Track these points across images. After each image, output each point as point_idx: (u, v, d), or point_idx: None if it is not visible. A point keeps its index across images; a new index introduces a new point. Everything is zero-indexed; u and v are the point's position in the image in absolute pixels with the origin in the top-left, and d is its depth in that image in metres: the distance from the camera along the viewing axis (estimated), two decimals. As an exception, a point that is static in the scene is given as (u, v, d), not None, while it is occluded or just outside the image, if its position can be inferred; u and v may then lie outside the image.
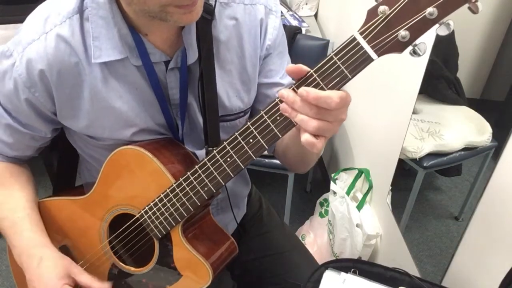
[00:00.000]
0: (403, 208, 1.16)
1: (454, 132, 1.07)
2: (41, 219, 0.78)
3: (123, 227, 0.76)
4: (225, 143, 0.61)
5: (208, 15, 0.67)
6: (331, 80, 0.51)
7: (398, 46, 0.48)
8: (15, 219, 0.73)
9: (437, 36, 0.46)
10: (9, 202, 0.75)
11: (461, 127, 1.05)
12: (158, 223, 0.71)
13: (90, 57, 0.65)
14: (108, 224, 0.76)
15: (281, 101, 0.55)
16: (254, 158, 0.60)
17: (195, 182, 0.65)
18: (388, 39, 0.48)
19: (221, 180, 0.64)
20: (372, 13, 0.48)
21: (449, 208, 1.12)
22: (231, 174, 0.63)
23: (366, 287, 0.76)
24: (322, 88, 0.52)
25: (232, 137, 0.60)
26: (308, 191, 2.02)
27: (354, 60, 0.50)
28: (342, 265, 0.80)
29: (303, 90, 0.51)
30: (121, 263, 0.78)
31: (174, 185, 0.67)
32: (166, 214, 0.69)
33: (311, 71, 0.52)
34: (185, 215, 0.68)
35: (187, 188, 0.66)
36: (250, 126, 0.58)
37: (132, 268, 0.78)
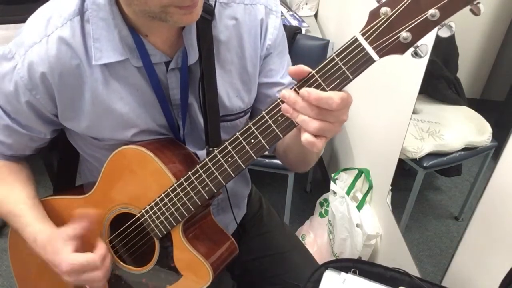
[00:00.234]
0: (403, 208, 1.16)
1: (454, 132, 1.07)
2: (44, 209, 0.77)
3: (124, 227, 0.76)
4: (226, 143, 0.61)
5: (208, 15, 0.67)
6: (333, 81, 0.52)
7: (400, 48, 0.48)
8: (18, 211, 0.73)
9: (438, 37, 0.46)
10: (11, 197, 0.75)
11: (461, 127, 1.05)
12: (158, 222, 0.71)
13: (91, 59, 0.65)
14: (108, 224, 0.76)
15: (282, 102, 0.55)
16: (255, 158, 0.60)
17: (196, 182, 0.65)
18: (390, 41, 0.48)
19: (222, 180, 0.64)
20: (374, 14, 0.48)
21: (449, 208, 1.13)
22: (232, 174, 0.63)
23: (366, 287, 0.76)
24: (323, 89, 0.52)
25: (234, 137, 0.60)
26: (308, 191, 2.02)
27: (356, 61, 0.50)
28: (342, 265, 0.80)
29: (304, 90, 0.51)
30: (121, 263, 0.78)
31: (175, 184, 0.67)
32: (167, 213, 0.69)
33: (313, 71, 0.52)
34: (186, 215, 0.68)
35: (188, 188, 0.66)
36: (252, 126, 0.58)
37: (132, 268, 0.78)
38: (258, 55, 0.74)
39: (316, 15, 2.11)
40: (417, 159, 1.08)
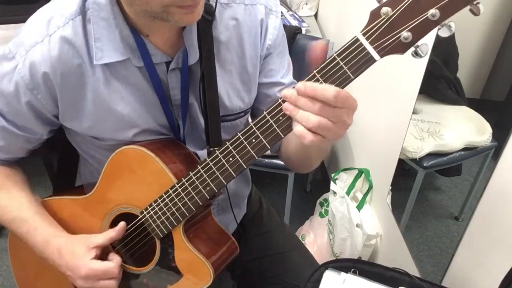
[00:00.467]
0: (403, 208, 1.16)
1: (454, 132, 1.07)
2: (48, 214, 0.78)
3: (126, 227, 0.76)
4: (227, 143, 0.62)
5: (208, 16, 0.67)
6: (334, 81, 0.52)
7: (401, 47, 0.48)
8: (24, 217, 0.74)
9: (437, 37, 0.46)
10: (13, 204, 0.75)
11: (461, 127, 1.05)
12: (159, 222, 0.71)
13: (93, 59, 0.65)
14: (109, 224, 0.76)
15: (283, 101, 0.55)
16: (257, 158, 0.60)
17: (197, 182, 0.66)
18: (391, 40, 0.48)
19: (223, 180, 0.64)
20: (375, 14, 0.48)
21: (449, 208, 1.13)
22: (233, 174, 0.63)
23: (366, 287, 0.76)
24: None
25: (235, 137, 0.61)
26: (308, 191, 2.02)
27: (357, 61, 0.50)
28: (342, 265, 0.80)
29: (300, 84, 0.52)
30: (122, 263, 0.78)
31: (176, 185, 0.67)
32: (168, 213, 0.69)
33: (314, 71, 0.53)
34: (187, 214, 0.68)
35: (189, 188, 0.66)
36: (253, 126, 0.58)
37: (133, 268, 0.78)
38: (258, 55, 0.74)
39: (316, 15, 2.11)
40: (417, 159, 1.08)
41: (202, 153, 0.76)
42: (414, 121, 1.08)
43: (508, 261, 0.73)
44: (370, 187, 1.39)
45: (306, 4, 2.05)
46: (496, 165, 0.78)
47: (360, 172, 1.43)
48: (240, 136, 0.60)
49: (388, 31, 0.48)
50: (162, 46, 0.67)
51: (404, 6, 0.46)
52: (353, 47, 0.50)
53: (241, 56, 0.72)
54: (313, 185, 2.02)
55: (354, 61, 0.50)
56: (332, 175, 1.52)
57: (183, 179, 0.66)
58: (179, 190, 0.67)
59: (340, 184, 1.46)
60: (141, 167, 0.69)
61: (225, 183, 0.64)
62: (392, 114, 1.19)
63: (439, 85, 1.09)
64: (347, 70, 0.51)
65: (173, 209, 0.69)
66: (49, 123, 0.72)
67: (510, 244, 0.76)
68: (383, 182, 1.28)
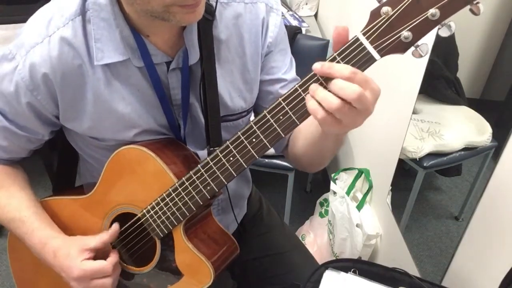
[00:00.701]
0: (403, 208, 1.16)
1: (454, 132, 1.07)
2: (47, 214, 0.78)
3: (125, 227, 0.76)
4: (228, 142, 0.62)
5: (209, 16, 0.67)
6: None
7: (401, 47, 0.48)
8: (22, 218, 0.74)
9: (437, 36, 0.47)
10: (12, 203, 0.75)
11: (461, 127, 1.05)
12: (160, 222, 0.71)
13: (93, 59, 0.65)
14: (109, 224, 0.76)
15: (284, 101, 0.55)
16: (257, 157, 0.60)
17: (197, 182, 0.66)
18: (391, 40, 0.48)
19: (223, 180, 0.64)
20: (375, 14, 0.48)
21: (449, 208, 1.13)
22: (234, 173, 0.63)
23: (366, 287, 0.76)
24: (325, 88, 0.52)
25: (235, 137, 0.61)
26: (308, 191, 2.02)
27: (357, 61, 0.50)
28: (342, 265, 0.80)
29: (317, 64, 0.51)
30: (122, 263, 0.78)
31: (177, 184, 0.67)
32: (168, 213, 0.69)
33: (314, 71, 0.53)
34: (187, 214, 0.68)
35: (190, 188, 0.66)
36: (253, 125, 0.58)
37: (133, 268, 0.78)
38: (259, 53, 0.74)
39: (316, 15, 2.11)
40: (417, 159, 1.08)
41: (203, 153, 0.76)
42: (414, 121, 1.08)
43: (508, 261, 0.73)
44: (370, 187, 1.39)
45: (306, 4, 2.05)
46: (496, 165, 0.78)
47: (360, 172, 1.43)
48: (241, 136, 0.60)
49: (388, 31, 0.48)
50: (163, 46, 0.67)
51: (404, 6, 0.46)
52: (353, 47, 0.50)
53: (241, 55, 0.72)
54: (313, 185, 2.02)
55: (354, 60, 0.50)
56: (332, 175, 1.52)
57: (183, 178, 0.66)
58: (180, 189, 0.67)
59: (340, 184, 1.46)
60: (142, 167, 0.69)
61: (226, 183, 0.64)
62: (392, 114, 1.19)
63: (439, 85, 1.09)
64: None
65: (174, 208, 0.69)
66: (50, 123, 0.72)
67: (510, 244, 0.76)
68: (383, 182, 1.28)
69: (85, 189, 0.84)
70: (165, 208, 0.69)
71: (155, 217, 0.71)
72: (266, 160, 1.50)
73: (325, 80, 0.52)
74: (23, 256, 0.84)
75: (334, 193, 1.42)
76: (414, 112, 1.07)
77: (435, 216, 1.15)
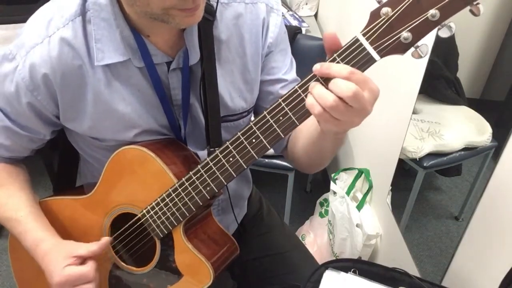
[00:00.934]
0: (403, 208, 1.16)
1: (454, 132, 1.07)
2: (44, 214, 0.77)
3: (125, 227, 0.76)
4: (227, 143, 0.62)
5: (209, 16, 0.67)
6: None
7: (401, 48, 0.48)
8: (18, 218, 0.73)
9: (437, 37, 0.46)
10: (10, 203, 0.75)
11: (461, 127, 1.05)
12: (160, 222, 0.71)
13: (93, 60, 0.65)
14: (110, 224, 0.76)
15: (283, 101, 0.55)
16: (257, 158, 0.60)
17: (197, 182, 0.66)
18: (391, 41, 0.48)
19: (223, 180, 0.64)
20: (374, 14, 0.48)
21: (449, 208, 1.12)
22: (234, 174, 0.63)
23: (366, 287, 0.76)
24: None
25: (235, 137, 0.61)
26: (308, 191, 2.02)
27: (357, 61, 0.50)
28: (342, 265, 0.80)
29: (317, 64, 0.51)
30: (122, 263, 0.78)
31: (177, 185, 0.67)
32: (168, 213, 0.69)
33: (314, 72, 0.53)
34: (187, 215, 0.68)
35: (189, 188, 0.66)
36: (253, 126, 0.58)
37: (133, 268, 0.78)
38: (260, 53, 0.74)
39: (316, 15, 2.11)
40: (417, 159, 1.08)
41: (203, 154, 0.76)
42: (414, 121, 1.08)
43: (508, 261, 0.73)
44: (370, 187, 1.39)
45: (306, 4, 2.05)
46: (496, 165, 0.78)
47: (360, 172, 1.43)
48: (240, 136, 0.60)
49: (388, 32, 0.48)
50: (163, 46, 0.67)
51: (404, 7, 0.46)
52: (353, 48, 0.50)
53: (242, 55, 0.72)
54: (313, 185, 2.02)
55: (354, 61, 0.50)
56: (332, 175, 1.52)
57: (183, 179, 0.67)
58: (179, 190, 0.67)
59: (340, 184, 1.46)
60: (142, 167, 0.69)
61: (225, 183, 0.64)
62: (392, 114, 1.19)
63: (439, 85, 1.09)
64: None
65: (173, 209, 0.69)
66: (51, 123, 0.72)
67: (510, 244, 0.76)
68: (383, 182, 1.28)
69: (85, 189, 0.84)
70: (165, 209, 0.69)
71: (155, 217, 0.71)
72: (266, 160, 1.51)
73: (324, 81, 0.52)
74: (23, 256, 0.84)
75: (334, 193, 1.42)
76: (414, 112, 1.07)
77: (435, 216, 1.15)
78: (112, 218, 0.76)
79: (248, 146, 0.60)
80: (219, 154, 0.63)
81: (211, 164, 0.64)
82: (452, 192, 1.16)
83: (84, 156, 0.81)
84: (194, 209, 0.68)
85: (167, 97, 0.70)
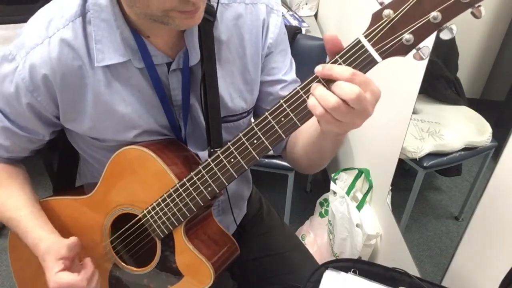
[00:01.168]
0: (403, 208, 1.16)
1: (454, 132, 1.07)
2: (44, 214, 0.77)
3: (125, 227, 0.76)
4: (229, 144, 0.62)
5: (210, 17, 0.67)
6: None
7: (402, 49, 0.48)
8: (18, 217, 0.74)
9: (438, 37, 0.47)
10: (10, 202, 0.75)
11: (461, 127, 1.05)
12: (160, 223, 0.71)
13: (93, 60, 0.65)
14: (110, 224, 0.76)
15: (285, 103, 0.55)
16: (258, 159, 0.60)
17: (198, 183, 0.66)
18: (393, 42, 0.48)
19: (224, 181, 0.64)
20: (376, 16, 0.48)
21: (449, 208, 1.13)
22: (235, 174, 0.63)
23: (366, 287, 0.76)
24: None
25: (236, 138, 0.61)
26: (308, 191, 2.02)
27: (359, 63, 0.50)
28: (342, 265, 0.80)
29: (319, 66, 0.51)
30: (122, 263, 0.78)
31: (178, 185, 0.67)
32: (169, 214, 0.69)
33: (316, 73, 0.53)
34: (188, 215, 0.68)
35: (191, 189, 0.66)
36: (254, 127, 0.58)
37: (134, 269, 0.78)
38: (260, 54, 0.74)
39: (316, 15, 2.11)
40: (417, 159, 1.08)
41: (203, 154, 0.76)
42: (414, 121, 1.08)
43: (508, 261, 0.73)
44: (370, 187, 1.39)
45: (306, 4, 2.05)
46: (496, 165, 0.78)
47: (360, 172, 1.43)
48: (242, 137, 0.60)
49: (390, 34, 0.48)
50: (163, 47, 0.67)
51: (406, 9, 0.46)
52: (355, 49, 0.50)
53: (242, 55, 0.72)
54: (313, 185, 2.02)
55: (356, 63, 0.50)
56: (332, 175, 1.53)
57: (184, 179, 0.67)
58: (180, 190, 0.67)
59: (340, 184, 1.46)
60: (143, 168, 0.69)
61: (227, 184, 0.65)
62: (392, 114, 1.19)
63: (439, 85, 1.09)
64: None
65: (174, 209, 0.69)
66: (51, 124, 0.72)
67: (510, 244, 0.76)
68: (383, 182, 1.28)
69: (85, 189, 0.84)
70: (165, 209, 0.69)
71: (155, 217, 0.71)
72: (266, 160, 1.51)
73: (326, 82, 0.52)
74: (23, 256, 0.84)
75: (334, 193, 1.42)
76: (414, 112, 1.07)
77: (435, 216, 1.15)
78: (112, 219, 0.76)
79: (249, 147, 0.60)
80: (220, 155, 0.63)
81: (212, 164, 0.64)
82: (452, 192, 1.16)
83: (84, 156, 0.81)
84: (195, 210, 0.68)
85: (167, 98, 0.70)
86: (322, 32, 1.95)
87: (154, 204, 0.70)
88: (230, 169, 0.63)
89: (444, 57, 1.05)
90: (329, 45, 0.52)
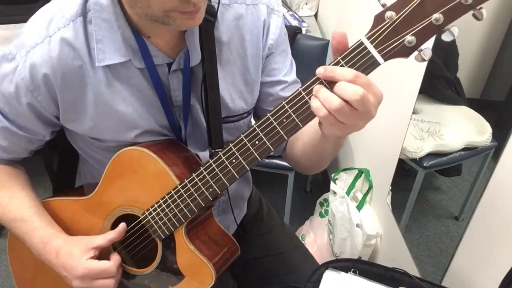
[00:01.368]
0: (403, 208, 1.17)
1: (454, 132, 1.08)
2: (48, 213, 0.77)
3: (126, 228, 0.76)
4: (231, 145, 0.62)
5: (210, 17, 0.67)
6: None
7: (405, 51, 0.48)
8: (24, 218, 0.73)
9: (438, 37, 0.47)
10: (13, 203, 0.75)
11: (461, 127, 1.05)
12: (161, 224, 0.71)
13: (94, 60, 0.65)
14: (111, 225, 0.76)
15: (287, 104, 0.55)
16: (260, 160, 0.60)
17: (199, 184, 0.66)
18: (395, 44, 0.48)
19: (226, 182, 0.64)
20: (379, 18, 0.48)
21: (449, 208, 1.13)
22: (236, 175, 0.63)
23: (366, 287, 0.76)
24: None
25: (238, 139, 0.61)
26: (308, 191, 2.02)
27: (361, 64, 0.50)
28: (342, 265, 0.80)
29: (321, 68, 0.51)
30: (123, 264, 0.78)
31: (179, 186, 0.67)
32: (170, 215, 0.69)
33: (318, 75, 0.53)
34: (189, 216, 0.68)
35: (192, 189, 0.66)
36: (256, 128, 0.58)
37: (135, 269, 0.78)
38: (260, 55, 0.74)
39: (316, 15, 2.11)
40: (417, 159, 1.09)
41: (204, 155, 0.76)
42: (414, 121, 1.08)
43: (508, 261, 0.73)
44: (370, 187, 1.39)
45: (306, 4, 2.05)
46: (496, 165, 0.78)
47: (360, 172, 1.43)
48: (244, 138, 0.60)
49: (392, 35, 0.48)
50: (164, 48, 0.67)
51: (408, 11, 0.46)
52: (357, 51, 0.50)
53: (243, 56, 0.72)
54: (313, 185, 2.02)
55: (358, 64, 0.50)
56: (332, 175, 1.53)
57: (186, 180, 0.67)
58: (182, 191, 0.67)
59: (340, 184, 1.46)
60: (143, 168, 0.69)
61: (228, 185, 0.65)
62: (392, 114, 1.19)
63: (439, 85, 1.09)
64: None
65: (175, 210, 0.69)
66: (51, 124, 0.72)
67: (510, 244, 0.76)
68: (383, 182, 1.29)
69: (85, 190, 0.84)
70: (167, 210, 0.69)
71: (156, 218, 0.71)
72: (266, 160, 1.51)
73: (328, 84, 0.52)
74: (23, 256, 0.84)
75: (334, 193, 1.42)
76: (414, 112, 1.07)
77: (435, 216, 1.15)
78: (113, 220, 0.76)
79: (251, 148, 0.60)
80: (222, 156, 0.63)
81: (214, 165, 0.64)
82: (452, 192, 1.16)
83: (84, 156, 0.80)
84: (196, 211, 0.68)
85: (168, 98, 0.70)
86: (322, 32, 1.95)
87: (155, 205, 0.70)
88: (232, 170, 0.63)
89: (444, 57, 1.05)
90: (335, 42, 0.52)
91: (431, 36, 0.47)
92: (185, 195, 0.67)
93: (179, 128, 0.74)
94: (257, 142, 0.59)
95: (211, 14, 0.67)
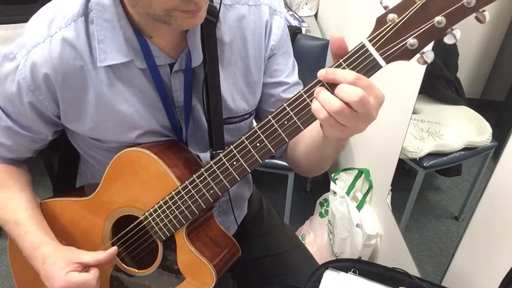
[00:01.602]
0: (403, 208, 1.17)
1: (454, 132, 1.08)
2: (44, 217, 0.77)
3: (127, 229, 0.76)
4: (231, 147, 0.62)
5: (212, 18, 0.67)
6: None
7: (407, 54, 0.48)
8: (18, 220, 0.73)
9: (440, 40, 0.47)
10: (10, 204, 0.75)
11: (461, 127, 1.05)
12: (162, 225, 0.71)
13: (96, 60, 0.64)
14: (111, 226, 0.76)
15: (288, 106, 0.55)
16: (261, 162, 0.60)
17: (200, 185, 0.66)
18: (397, 47, 0.48)
19: (227, 184, 0.64)
20: (381, 20, 0.48)
21: (449, 208, 1.13)
22: (237, 177, 0.63)
23: (366, 287, 0.76)
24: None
25: (239, 141, 0.61)
26: (308, 191, 2.02)
27: (363, 67, 0.50)
28: (342, 265, 0.80)
29: (322, 70, 0.51)
30: (123, 265, 0.78)
31: (180, 187, 0.67)
32: (171, 216, 0.69)
33: (319, 77, 0.53)
34: (190, 217, 0.68)
35: (193, 191, 0.66)
36: (257, 130, 0.58)
37: (135, 270, 0.78)
38: (262, 56, 0.74)
39: (316, 15, 2.11)
40: (417, 159, 1.09)
41: (205, 156, 0.76)
42: (414, 121, 1.08)
43: (508, 261, 0.73)
44: (370, 187, 1.39)
45: (306, 4, 2.05)
46: (496, 165, 0.78)
47: (360, 172, 1.43)
48: (245, 140, 0.60)
49: (394, 38, 0.48)
50: (166, 48, 0.67)
51: (411, 13, 0.46)
52: (359, 53, 0.50)
53: (244, 57, 0.72)
54: (313, 185, 2.03)
55: (360, 67, 0.50)
56: (332, 175, 1.53)
57: (186, 182, 0.66)
58: (183, 193, 0.67)
59: (340, 184, 1.46)
60: (144, 170, 0.69)
61: (229, 187, 0.65)
62: (392, 114, 1.19)
63: (439, 85, 1.09)
64: None
65: (176, 212, 0.69)
66: (53, 123, 0.72)
67: (510, 244, 0.76)
68: (383, 182, 1.29)
69: (86, 190, 0.84)
70: (167, 211, 0.69)
71: (157, 220, 0.71)
72: (266, 160, 1.50)
73: (330, 86, 0.52)
74: (23, 257, 0.83)
75: (334, 193, 1.42)
76: (414, 112, 1.07)
77: (435, 216, 1.15)
78: (113, 221, 0.76)
79: (252, 150, 0.60)
80: (223, 158, 0.63)
81: (214, 167, 0.64)
82: (452, 192, 1.16)
83: (85, 157, 0.80)
84: (197, 212, 0.68)
85: (169, 99, 0.70)
86: (322, 32, 1.95)
87: (156, 206, 0.70)
88: (233, 172, 0.63)
89: (444, 57, 1.05)
90: (334, 46, 0.52)
91: (434, 39, 0.47)
92: (186, 197, 0.67)
93: (180, 129, 0.74)
94: (258, 145, 0.59)
95: (213, 14, 0.67)
